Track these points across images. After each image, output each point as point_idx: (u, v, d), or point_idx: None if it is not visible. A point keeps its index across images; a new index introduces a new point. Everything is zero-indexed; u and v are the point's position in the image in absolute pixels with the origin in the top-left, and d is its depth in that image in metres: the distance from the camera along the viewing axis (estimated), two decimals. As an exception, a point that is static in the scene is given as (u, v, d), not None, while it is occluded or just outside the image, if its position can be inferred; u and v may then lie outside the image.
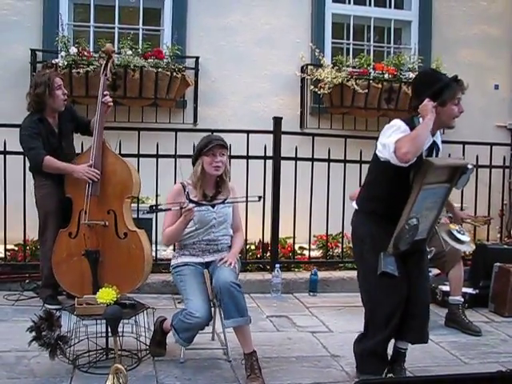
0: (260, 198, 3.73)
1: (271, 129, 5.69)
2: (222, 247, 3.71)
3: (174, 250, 3.89)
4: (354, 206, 3.48)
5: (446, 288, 4.89)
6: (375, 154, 3.26)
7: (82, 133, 4.90)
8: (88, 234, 4.44)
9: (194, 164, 3.73)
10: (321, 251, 6.11)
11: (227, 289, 3.36)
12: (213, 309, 3.56)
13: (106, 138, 4.64)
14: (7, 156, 5.16)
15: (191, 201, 3.62)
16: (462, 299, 4.59)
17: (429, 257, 3.65)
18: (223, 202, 3.70)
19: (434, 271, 5.07)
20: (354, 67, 6.81)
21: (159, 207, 3.60)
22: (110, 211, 4.47)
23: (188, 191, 3.68)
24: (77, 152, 4.88)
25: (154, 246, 5.22)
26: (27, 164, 5.06)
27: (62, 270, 4.51)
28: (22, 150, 5.03)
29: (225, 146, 3.69)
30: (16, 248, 5.47)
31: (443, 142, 5.95)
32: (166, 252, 5.63)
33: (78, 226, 4.49)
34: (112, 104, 4.68)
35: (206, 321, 3.42)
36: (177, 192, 3.70)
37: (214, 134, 4.18)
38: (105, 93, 4.58)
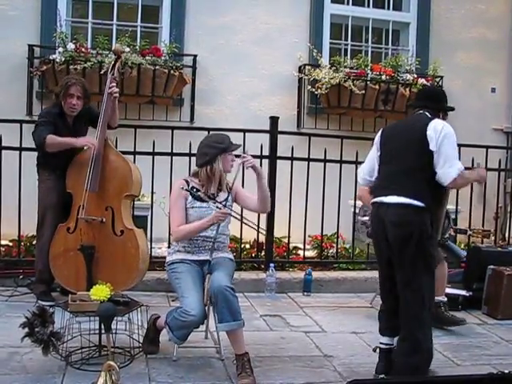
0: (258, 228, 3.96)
1: (268, 128, 5.69)
2: (217, 245, 3.70)
3: (169, 246, 3.89)
4: (417, 203, 3.30)
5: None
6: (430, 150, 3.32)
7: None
8: (85, 230, 4.45)
9: (210, 161, 3.68)
10: (315, 251, 6.12)
11: (221, 292, 3.36)
12: (206, 308, 3.56)
13: (108, 136, 4.65)
14: (3, 151, 5.14)
15: (198, 196, 3.66)
16: (445, 299, 4.59)
17: None
18: (226, 201, 3.72)
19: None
20: (351, 68, 6.82)
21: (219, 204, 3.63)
22: (108, 208, 4.49)
23: (191, 187, 3.71)
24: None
25: (148, 243, 5.21)
26: (23, 159, 5.07)
27: (59, 264, 4.52)
28: (17, 145, 5.05)
29: (239, 147, 3.87)
30: (11, 244, 5.46)
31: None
32: (161, 250, 5.64)
33: (76, 221, 4.50)
34: (118, 95, 4.64)
35: (200, 319, 3.43)
36: (181, 186, 3.69)
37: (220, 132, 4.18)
38: (111, 85, 4.58)
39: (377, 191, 3.51)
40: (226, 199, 3.74)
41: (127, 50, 6.12)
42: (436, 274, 4.60)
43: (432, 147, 3.31)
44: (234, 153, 3.80)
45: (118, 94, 4.63)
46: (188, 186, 3.70)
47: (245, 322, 3.47)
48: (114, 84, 4.60)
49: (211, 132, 4.31)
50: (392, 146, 3.51)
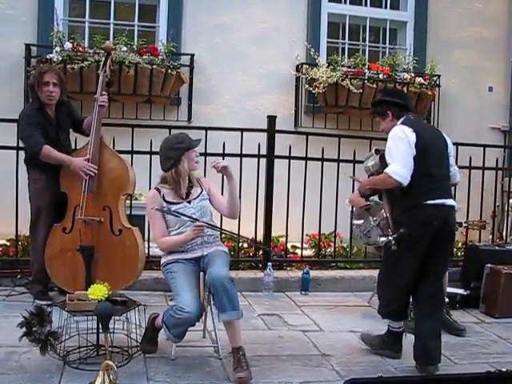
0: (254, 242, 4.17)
1: (265, 127, 5.69)
2: (208, 238, 3.71)
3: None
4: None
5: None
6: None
7: (75, 130, 4.87)
8: (83, 230, 4.43)
9: (175, 163, 3.68)
10: (313, 250, 6.12)
11: (220, 282, 3.37)
12: (204, 305, 3.56)
13: (103, 135, 4.63)
14: (0, 151, 5.12)
15: (168, 202, 3.69)
16: (447, 299, 4.58)
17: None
18: (201, 195, 3.77)
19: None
20: (349, 67, 6.82)
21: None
22: (106, 208, 4.48)
23: (164, 194, 3.73)
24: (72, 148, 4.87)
25: (146, 243, 5.20)
26: (20, 158, 5.05)
27: (55, 265, 4.51)
28: (13, 144, 5.02)
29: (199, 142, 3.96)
30: (8, 243, 5.45)
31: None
32: (159, 249, 5.62)
33: (72, 221, 4.48)
34: (106, 105, 4.66)
35: (196, 316, 3.43)
36: (153, 196, 3.74)
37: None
38: (103, 92, 4.57)
39: (436, 193, 3.71)
40: (201, 193, 3.77)
41: (124, 49, 6.11)
42: None
43: (450, 152, 3.90)
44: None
45: (106, 104, 4.62)
46: (160, 194, 3.73)
47: (243, 319, 3.48)
48: (105, 93, 4.59)
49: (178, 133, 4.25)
50: (436, 150, 3.79)
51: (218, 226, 3.88)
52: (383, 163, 3.80)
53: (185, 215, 3.60)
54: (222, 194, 4.16)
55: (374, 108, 4.13)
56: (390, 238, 3.65)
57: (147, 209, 3.76)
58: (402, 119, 3.83)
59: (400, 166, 3.64)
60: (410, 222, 3.65)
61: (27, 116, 4.58)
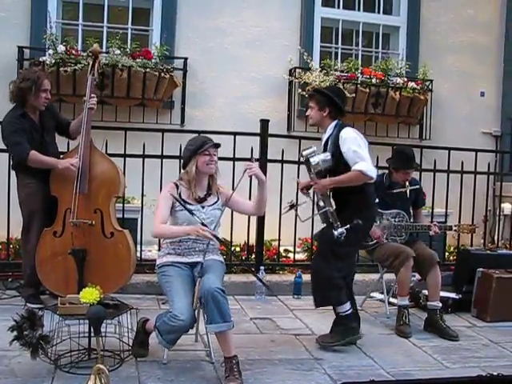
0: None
1: (258, 131, 5.69)
2: (208, 247, 3.70)
3: (159, 249, 3.89)
4: None
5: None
6: None
7: (60, 133, 4.84)
8: (75, 233, 4.42)
9: (186, 164, 3.74)
10: (306, 254, 6.12)
11: (211, 294, 3.34)
12: (196, 311, 3.55)
13: (93, 138, 4.62)
14: (-9, 154, 5.10)
15: (183, 200, 3.66)
16: (440, 304, 4.58)
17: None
18: (215, 204, 3.76)
19: (418, 276, 5.10)
20: (341, 71, 6.85)
21: None
22: (97, 210, 4.47)
23: (181, 191, 3.72)
24: (59, 150, 4.85)
25: (138, 246, 5.20)
26: (11, 162, 5.03)
27: (46, 270, 4.48)
28: (5, 147, 5.00)
29: (218, 146, 3.83)
30: (-1, 246, 5.44)
31: (429, 147, 6.10)
32: (151, 252, 5.62)
33: (63, 224, 4.46)
34: (95, 107, 4.64)
35: (189, 324, 3.41)
36: (171, 188, 3.72)
37: (203, 134, 4.19)
38: (92, 95, 4.57)
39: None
40: (215, 203, 3.77)
41: (117, 52, 6.11)
42: (428, 280, 4.66)
43: None
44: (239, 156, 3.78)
45: (95, 107, 4.62)
46: (177, 189, 3.72)
47: (235, 325, 3.47)
48: (94, 96, 4.60)
49: (201, 135, 4.29)
50: None
51: (221, 237, 3.82)
52: (336, 160, 3.95)
53: (195, 215, 3.58)
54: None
55: (315, 94, 4.22)
56: (343, 229, 3.85)
57: (159, 195, 3.77)
58: (338, 121, 4.06)
59: (369, 163, 3.89)
60: (365, 221, 3.92)
61: (10, 123, 4.53)
